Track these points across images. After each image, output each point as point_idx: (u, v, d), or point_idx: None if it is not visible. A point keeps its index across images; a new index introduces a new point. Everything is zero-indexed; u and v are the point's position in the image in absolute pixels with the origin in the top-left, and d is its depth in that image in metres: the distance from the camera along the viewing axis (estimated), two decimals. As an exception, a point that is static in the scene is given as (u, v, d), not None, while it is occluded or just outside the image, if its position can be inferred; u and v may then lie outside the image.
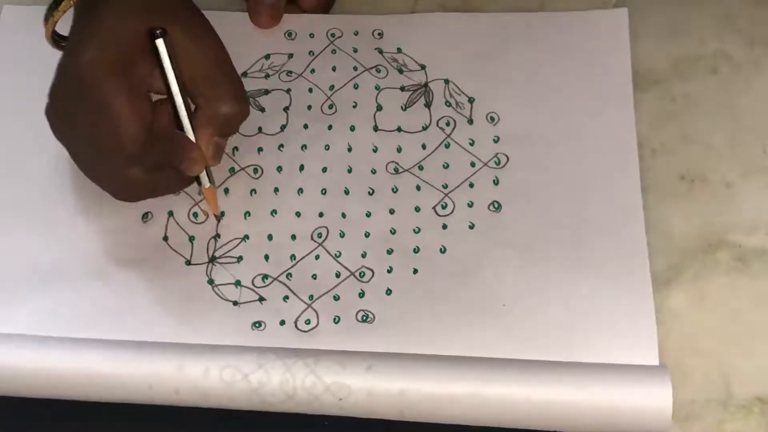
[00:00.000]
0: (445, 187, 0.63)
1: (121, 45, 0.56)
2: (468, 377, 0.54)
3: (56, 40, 0.62)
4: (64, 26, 0.60)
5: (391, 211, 0.62)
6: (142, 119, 0.57)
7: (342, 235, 0.61)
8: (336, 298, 0.59)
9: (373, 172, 0.63)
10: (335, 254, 0.61)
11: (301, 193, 0.63)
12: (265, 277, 0.60)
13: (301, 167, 0.64)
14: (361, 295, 0.59)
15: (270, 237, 0.62)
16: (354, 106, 0.66)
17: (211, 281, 0.60)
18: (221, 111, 0.59)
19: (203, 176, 0.60)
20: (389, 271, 0.60)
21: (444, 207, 0.62)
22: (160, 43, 0.56)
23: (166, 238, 0.62)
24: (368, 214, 0.62)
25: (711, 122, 0.64)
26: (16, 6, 0.71)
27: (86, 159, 0.59)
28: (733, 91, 0.65)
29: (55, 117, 0.58)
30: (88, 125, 0.57)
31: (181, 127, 0.59)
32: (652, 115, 0.65)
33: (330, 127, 0.65)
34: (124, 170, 0.58)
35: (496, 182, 0.62)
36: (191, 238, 0.62)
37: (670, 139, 0.64)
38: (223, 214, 0.62)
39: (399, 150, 0.64)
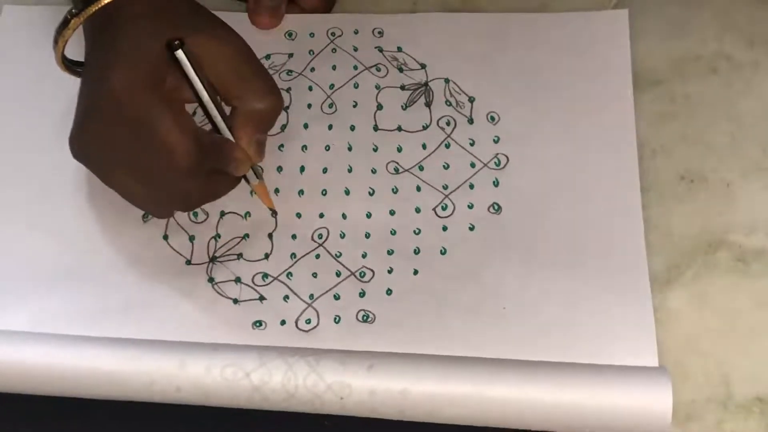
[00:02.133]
0: (446, 188, 0.63)
1: (149, 62, 0.55)
2: (469, 377, 0.54)
3: (67, 64, 0.60)
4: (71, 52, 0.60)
5: (392, 212, 0.62)
6: (191, 131, 0.55)
7: (342, 236, 0.61)
8: (336, 297, 0.59)
9: (374, 172, 0.63)
10: (335, 254, 0.61)
11: (302, 194, 0.63)
12: (265, 275, 0.60)
13: (302, 168, 0.64)
14: (362, 294, 0.59)
15: (270, 236, 0.62)
16: (354, 106, 0.66)
17: (211, 279, 0.60)
18: (257, 108, 0.58)
19: (250, 174, 0.60)
20: (390, 272, 0.60)
21: (444, 208, 0.62)
22: (180, 54, 0.55)
23: (166, 237, 0.62)
24: (368, 215, 0.62)
25: (711, 122, 0.64)
26: (16, 6, 0.72)
27: (130, 183, 0.57)
28: (733, 91, 0.65)
29: (87, 146, 0.56)
30: (133, 149, 0.55)
31: (218, 132, 0.58)
32: (652, 115, 0.65)
33: (330, 127, 0.65)
34: (182, 185, 0.56)
35: (496, 184, 0.63)
36: (191, 238, 0.62)
37: (670, 139, 0.64)
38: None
39: (399, 150, 0.64)
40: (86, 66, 0.58)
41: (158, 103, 0.55)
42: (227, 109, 0.59)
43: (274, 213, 0.62)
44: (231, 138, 0.58)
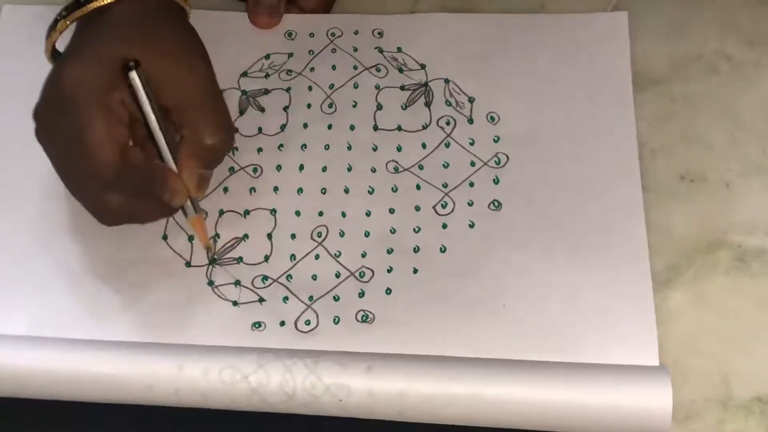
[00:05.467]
0: (445, 186, 0.63)
1: (103, 68, 0.56)
2: (468, 378, 0.54)
3: (56, 57, 0.61)
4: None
5: (391, 211, 0.62)
6: (117, 145, 0.55)
7: (342, 234, 0.61)
8: (336, 298, 0.59)
9: (373, 171, 0.63)
10: (335, 254, 0.61)
11: (301, 192, 0.63)
12: (265, 278, 0.60)
13: (301, 167, 0.64)
14: (361, 295, 0.59)
15: (269, 236, 0.62)
16: (354, 106, 0.66)
17: (211, 282, 0.60)
18: (205, 142, 0.58)
19: (187, 205, 0.59)
20: (389, 271, 0.60)
21: (444, 206, 0.62)
22: (132, 75, 0.56)
23: (165, 237, 0.62)
24: (368, 214, 0.62)
25: (711, 122, 0.65)
26: (16, 6, 0.72)
27: (66, 178, 0.58)
28: (733, 91, 0.66)
29: (40, 132, 0.58)
30: (66, 145, 0.56)
31: (162, 158, 0.58)
32: (652, 115, 0.65)
33: (330, 127, 0.65)
34: (100, 195, 0.57)
35: (496, 181, 0.63)
36: (191, 238, 0.62)
37: (670, 139, 0.64)
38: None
39: (399, 149, 0.64)
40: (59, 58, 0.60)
41: (96, 108, 0.55)
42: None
43: (208, 250, 0.61)
44: (173, 166, 0.58)
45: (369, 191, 0.63)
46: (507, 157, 0.63)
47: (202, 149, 0.58)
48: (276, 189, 0.63)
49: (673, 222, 0.61)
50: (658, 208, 0.61)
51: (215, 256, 0.61)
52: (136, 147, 0.57)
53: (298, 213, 0.62)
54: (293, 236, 0.61)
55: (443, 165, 0.63)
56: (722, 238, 0.61)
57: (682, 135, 0.64)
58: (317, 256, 0.61)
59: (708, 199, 0.62)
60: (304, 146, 0.65)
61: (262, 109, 0.66)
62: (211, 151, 0.58)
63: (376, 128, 0.65)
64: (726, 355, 0.57)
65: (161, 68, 0.57)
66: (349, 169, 0.64)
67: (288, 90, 0.67)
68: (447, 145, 0.64)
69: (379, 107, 0.66)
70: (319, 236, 0.61)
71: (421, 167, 0.63)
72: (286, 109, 0.66)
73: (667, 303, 0.59)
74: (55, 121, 0.56)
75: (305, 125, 0.66)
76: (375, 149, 0.64)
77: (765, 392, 0.56)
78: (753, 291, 0.59)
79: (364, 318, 0.59)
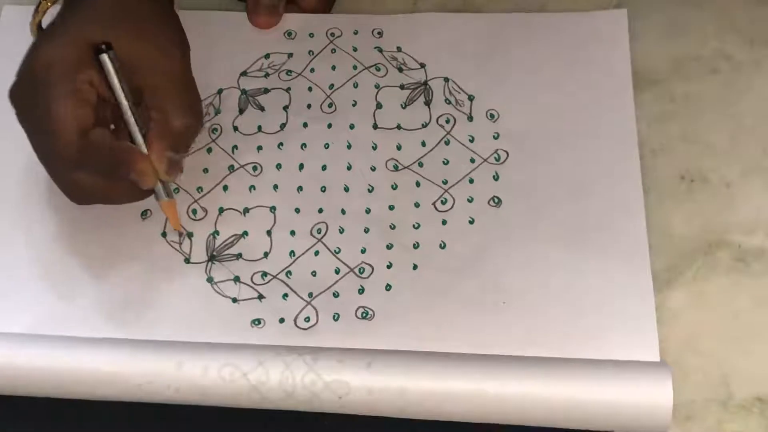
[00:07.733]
0: (445, 182, 0.63)
1: (74, 50, 0.57)
2: (468, 374, 0.54)
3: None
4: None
5: (391, 207, 0.62)
6: (78, 125, 0.56)
7: (341, 230, 0.61)
8: (336, 294, 0.59)
9: (373, 169, 0.63)
10: (335, 250, 0.61)
11: (301, 191, 0.63)
12: (264, 274, 0.60)
13: (301, 166, 0.64)
14: (361, 291, 0.59)
15: (269, 233, 0.62)
16: (354, 105, 0.66)
17: (210, 279, 0.60)
18: (173, 124, 0.58)
19: (159, 189, 0.60)
20: (389, 267, 0.60)
21: (444, 202, 0.62)
22: (103, 58, 0.56)
23: (164, 235, 0.62)
24: (368, 211, 0.62)
25: (711, 122, 0.65)
26: (16, 6, 0.72)
27: (39, 155, 0.59)
28: (733, 91, 0.66)
29: (17, 112, 0.59)
30: (36, 123, 0.57)
31: (133, 141, 0.59)
32: (652, 115, 0.65)
33: (330, 126, 0.65)
34: (68, 173, 0.58)
35: (496, 178, 0.63)
36: (190, 235, 0.62)
37: (670, 139, 0.64)
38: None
39: (399, 147, 0.64)
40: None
41: (62, 87, 0.56)
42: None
43: (180, 234, 0.62)
44: (144, 149, 0.58)
45: (369, 189, 0.63)
46: (507, 153, 0.63)
47: (170, 131, 0.58)
48: (275, 187, 0.63)
49: (673, 222, 0.61)
50: (658, 208, 0.61)
51: (214, 253, 0.61)
52: (102, 128, 0.58)
53: (297, 210, 0.62)
54: (293, 233, 0.61)
55: (443, 162, 0.63)
56: (722, 238, 0.61)
57: (682, 135, 0.64)
58: (317, 253, 0.61)
59: (708, 199, 0.62)
60: (303, 145, 0.65)
61: (262, 108, 0.66)
62: (179, 134, 0.59)
63: (375, 127, 0.65)
64: (726, 355, 0.57)
65: (134, 50, 0.57)
66: (349, 168, 0.64)
67: (288, 90, 0.67)
68: (447, 143, 0.64)
69: (379, 106, 0.66)
70: (319, 233, 0.61)
71: (420, 164, 0.63)
72: (285, 108, 0.66)
73: (667, 303, 0.59)
74: (28, 100, 0.57)
75: (305, 124, 0.66)
76: (375, 148, 0.64)
77: (765, 392, 0.56)
78: (753, 291, 0.59)
79: (364, 315, 0.58)
